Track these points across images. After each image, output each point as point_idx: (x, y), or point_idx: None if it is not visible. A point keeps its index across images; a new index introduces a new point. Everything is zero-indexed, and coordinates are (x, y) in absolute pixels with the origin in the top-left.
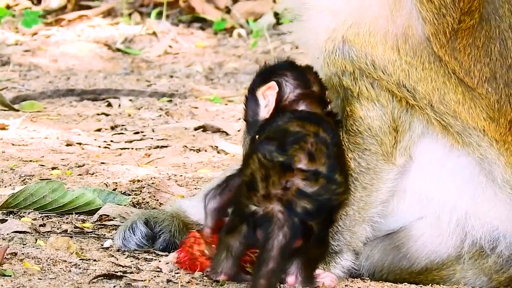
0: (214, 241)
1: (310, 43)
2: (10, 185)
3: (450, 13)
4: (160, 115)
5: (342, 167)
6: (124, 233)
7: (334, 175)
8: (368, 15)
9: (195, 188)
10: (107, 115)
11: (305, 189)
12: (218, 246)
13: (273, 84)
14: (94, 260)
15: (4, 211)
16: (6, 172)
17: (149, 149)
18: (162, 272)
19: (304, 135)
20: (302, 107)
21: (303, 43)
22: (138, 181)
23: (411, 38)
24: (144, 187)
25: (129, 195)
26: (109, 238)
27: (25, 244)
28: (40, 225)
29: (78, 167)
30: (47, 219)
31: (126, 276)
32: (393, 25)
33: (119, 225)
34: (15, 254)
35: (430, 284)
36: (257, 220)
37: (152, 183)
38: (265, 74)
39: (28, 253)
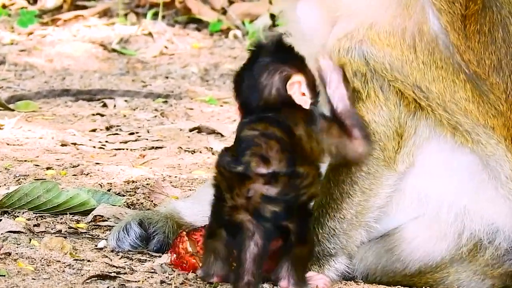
0: (198, 239)
1: (315, 44)
2: (4, 185)
3: None
4: (155, 116)
5: (303, 155)
6: (118, 233)
7: (294, 168)
8: (386, 14)
9: (190, 190)
10: (102, 115)
11: (268, 193)
12: (204, 250)
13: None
14: (88, 261)
15: None
16: (0, 171)
17: (144, 150)
18: (156, 273)
19: (253, 137)
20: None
21: (305, 44)
22: (133, 182)
23: (426, 35)
24: (138, 188)
25: (124, 195)
26: (103, 239)
27: (19, 244)
28: (34, 225)
29: (72, 167)
30: (41, 219)
31: (119, 277)
32: (410, 22)
33: (113, 226)
34: (9, 254)
35: (424, 287)
36: (230, 230)
37: (147, 184)
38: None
39: (22, 253)
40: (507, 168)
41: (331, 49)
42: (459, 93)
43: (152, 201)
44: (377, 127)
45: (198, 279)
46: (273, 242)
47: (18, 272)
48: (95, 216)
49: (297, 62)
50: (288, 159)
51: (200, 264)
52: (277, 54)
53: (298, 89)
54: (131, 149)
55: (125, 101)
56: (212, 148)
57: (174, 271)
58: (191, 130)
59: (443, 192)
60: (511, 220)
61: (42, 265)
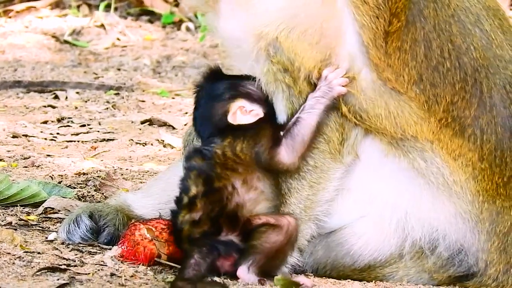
0: (155, 225)
1: (243, 49)
2: None
3: (382, 14)
4: (107, 108)
5: (226, 169)
6: (69, 226)
7: (210, 186)
8: (300, 22)
9: (141, 182)
10: (53, 107)
11: (193, 218)
12: None
13: None
14: (38, 253)
15: None
16: None
17: (95, 142)
18: (106, 265)
19: (184, 175)
20: None
21: (234, 49)
22: (84, 174)
23: (339, 53)
24: (89, 180)
25: (74, 188)
26: (53, 231)
27: None
28: None
29: (23, 159)
30: None
31: (70, 269)
32: (323, 37)
33: (64, 218)
34: None
35: (374, 281)
36: None
37: (98, 176)
38: None
39: None
40: (438, 173)
41: (258, 50)
42: (374, 110)
43: (103, 193)
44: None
45: (148, 271)
46: (223, 260)
47: None
48: (46, 208)
49: (233, 89)
50: (204, 180)
51: (160, 250)
52: (214, 88)
53: (241, 112)
54: (82, 141)
55: (77, 93)
56: (163, 141)
57: (124, 264)
58: (142, 123)
59: (384, 194)
60: (450, 228)
61: None
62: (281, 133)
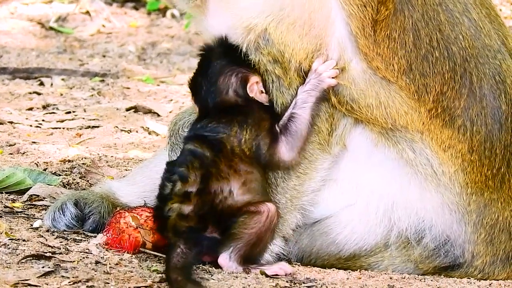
0: (140, 213)
1: (239, 31)
2: None
3: (369, 2)
4: (92, 95)
5: (227, 165)
6: (54, 213)
7: (205, 185)
8: (288, 14)
9: (126, 169)
10: (39, 94)
11: (182, 211)
12: None
13: None
14: (23, 240)
15: None
16: None
17: (80, 129)
18: (91, 253)
19: (185, 156)
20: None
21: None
22: (69, 161)
23: (328, 44)
24: (74, 168)
25: (60, 175)
26: (38, 218)
27: None
28: None
29: (9, 146)
30: None
31: (55, 257)
32: (312, 27)
33: (49, 206)
34: None
35: (358, 270)
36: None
37: (83, 163)
38: None
39: None
40: (427, 164)
41: (248, 43)
42: (364, 100)
43: (88, 180)
44: None
45: (133, 259)
46: (206, 256)
47: None
48: (31, 195)
49: (248, 63)
50: (203, 175)
51: (145, 237)
52: (228, 56)
53: (257, 89)
54: (67, 128)
55: (62, 79)
56: (148, 128)
57: (109, 252)
58: (127, 110)
59: (372, 183)
60: (437, 218)
61: None
62: (277, 127)
